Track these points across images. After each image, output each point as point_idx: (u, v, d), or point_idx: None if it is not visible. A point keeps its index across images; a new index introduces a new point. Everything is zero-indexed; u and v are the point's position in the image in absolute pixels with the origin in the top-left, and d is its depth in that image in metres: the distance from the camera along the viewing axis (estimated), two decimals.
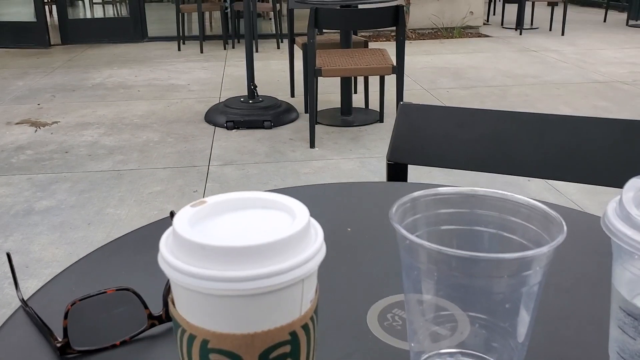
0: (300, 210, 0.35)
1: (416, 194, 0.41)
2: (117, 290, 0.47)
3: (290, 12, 3.86)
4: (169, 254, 0.33)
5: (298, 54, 3.82)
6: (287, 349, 0.33)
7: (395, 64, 3.04)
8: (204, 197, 0.34)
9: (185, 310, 0.33)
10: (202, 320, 0.32)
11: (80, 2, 9.07)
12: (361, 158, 3.07)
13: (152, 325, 0.48)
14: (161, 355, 0.47)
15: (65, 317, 0.45)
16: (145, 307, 0.48)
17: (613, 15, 8.16)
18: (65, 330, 0.45)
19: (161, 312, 0.49)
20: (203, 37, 6.14)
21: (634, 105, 3.84)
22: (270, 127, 3.49)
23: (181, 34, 6.20)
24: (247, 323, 0.32)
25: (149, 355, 0.47)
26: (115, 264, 0.59)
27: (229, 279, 0.30)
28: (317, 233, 0.35)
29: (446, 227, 0.42)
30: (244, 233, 0.34)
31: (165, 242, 0.34)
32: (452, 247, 0.36)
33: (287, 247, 0.32)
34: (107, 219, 2.50)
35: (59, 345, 0.45)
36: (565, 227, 0.37)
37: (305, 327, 0.34)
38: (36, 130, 3.64)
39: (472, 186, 0.42)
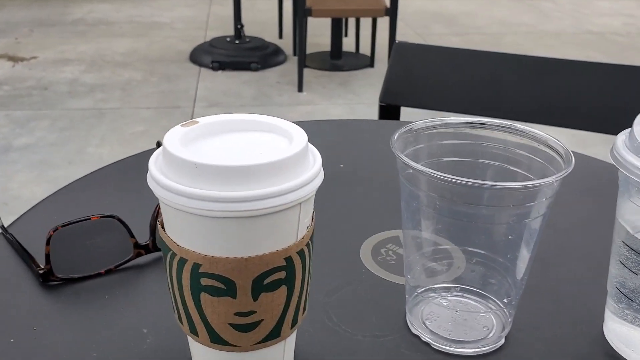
0: (298, 133, 0.33)
1: (418, 122, 0.39)
2: (101, 217, 0.45)
3: None
4: (159, 173, 0.30)
5: None
6: (282, 274, 0.32)
7: (388, 6, 2.95)
8: None
9: (176, 233, 0.31)
10: (194, 243, 0.31)
11: None
12: (350, 103, 3.03)
13: (139, 255, 0.47)
14: (148, 286, 0.45)
15: (48, 243, 0.43)
16: (132, 235, 0.46)
17: None
18: (47, 256, 0.43)
19: (148, 242, 0.47)
20: None
21: (627, 57, 3.81)
22: (257, 69, 3.41)
23: None
24: (241, 247, 0.30)
25: (135, 285, 0.45)
26: (99, 194, 0.56)
27: (224, 199, 0.29)
28: (315, 158, 0.33)
29: (449, 158, 0.40)
30: (239, 154, 0.32)
31: (155, 162, 0.32)
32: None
33: (284, 169, 0.30)
34: (89, 158, 2.45)
35: (41, 272, 0.43)
36: (573, 159, 0.36)
37: (301, 253, 0.32)
38: (14, 65, 3.52)
39: None
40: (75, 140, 2.59)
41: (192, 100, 3.03)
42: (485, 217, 0.37)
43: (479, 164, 0.39)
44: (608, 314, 0.40)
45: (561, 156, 0.37)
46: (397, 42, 1.07)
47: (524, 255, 0.38)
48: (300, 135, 0.33)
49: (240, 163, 0.29)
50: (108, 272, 0.46)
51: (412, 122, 0.39)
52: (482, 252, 0.39)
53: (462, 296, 0.42)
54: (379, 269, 0.47)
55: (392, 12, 2.94)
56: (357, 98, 3.10)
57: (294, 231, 0.32)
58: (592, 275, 0.46)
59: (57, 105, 2.96)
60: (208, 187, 0.29)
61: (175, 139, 0.31)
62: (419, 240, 0.40)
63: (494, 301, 0.41)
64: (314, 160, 0.33)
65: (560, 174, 0.34)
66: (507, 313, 0.41)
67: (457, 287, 0.42)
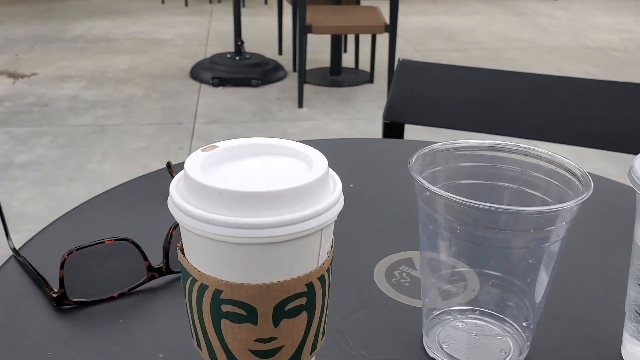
0: (318, 158, 0.33)
1: (436, 145, 0.39)
2: (115, 240, 0.45)
3: None
4: (180, 198, 0.30)
5: (287, 10, 3.72)
6: (303, 300, 0.32)
7: (388, 23, 2.97)
8: (189, 154, 0.32)
9: (197, 258, 0.31)
10: (215, 269, 0.30)
11: None
12: (350, 119, 3.04)
13: (152, 278, 0.46)
14: (161, 309, 0.45)
15: (62, 267, 0.43)
16: (145, 258, 0.46)
17: None
18: (61, 280, 0.43)
19: (161, 264, 0.47)
20: None
21: (625, 72, 3.83)
22: (257, 85, 3.43)
23: None
24: (262, 273, 0.30)
25: (149, 308, 0.45)
26: (110, 216, 0.56)
27: (246, 226, 0.28)
28: (336, 183, 0.33)
29: (466, 181, 0.40)
30: (260, 179, 0.32)
31: (176, 187, 0.31)
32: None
33: (306, 194, 0.30)
34: (90, 174, 2.45)
35: (55, 295, 0.43)
36: (592, 183, 0.36)
37: (321, 279, 0.32)
38: (14, 82, 3.53)
39: None
40: (76, 157, 2.59)
41: (193, 117, 3.04)
42: (503, 241, 0.37)
43: (496, 186, 0.39)
44: (626, 337, 0.40)
45: (579, 179, 0.37)
46: (400, 59, 1.08)
47: (543, 279, 0.38)
48: (321, 160, 0.32)
49: (262, 189, 0.29)
50: (122, 295, 0.45)
51: (429, 143, 0.39)
52: (499, 274, 0.39)
53: (478, 319, 0.41)
54: (394, 292, 0.47)
55: (391, 28, 2.97)
56: (357, 114, 3.11)
57: (315, 257, 0.32)
58: (609, 297, 0.46)
59: (58, 121, 2.97)
60: (230, 213, 0.29)
61: (196, 164, 0.31)
62: (436, 264, 0.40)
63: (511, 324, 0.40)
64: (334, 185, 0.33)
65: (579, 199, 0.34)
66: (524, 337, 0.40)
67: (472, 309, 0.41)
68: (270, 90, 3.43)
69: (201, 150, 0.33)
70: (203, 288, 0.31)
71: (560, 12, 5.91)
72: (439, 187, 0.37)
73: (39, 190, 2.32)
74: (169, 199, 0.31)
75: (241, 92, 3.37)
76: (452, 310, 0.42)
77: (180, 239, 0.32)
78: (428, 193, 0.36)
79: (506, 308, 0.40)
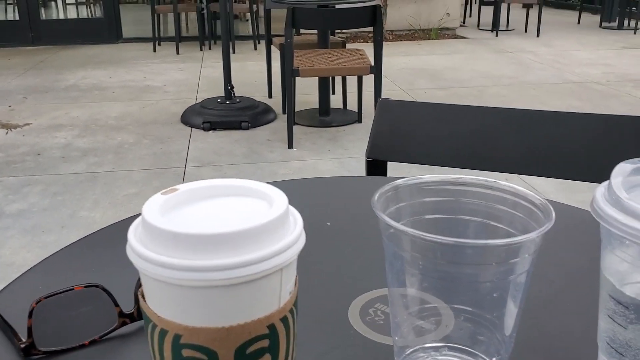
0: (278, 197, 0.33)
1: (399, 181, 0.40)
2: (85, 287, 0.44)
3: (267, 12, 3.83)
4: (137, 243, 0.30)
5: (275, 55, 3.79)
6: (265, 343, 0.31)
7: (372, 64, 3.03)
8: None
9: (156, 303, 0.31)
10: (174, 313, 0.30)
11: (52, 3, 8.89)
12: (340, 158, 3.06)
13: (123, 324, 0.46)
14: (133, 355, 0.44)
15: (30, 315, 0.42)
16: (116, 304, 0.45)
17: (587, 17, 8.31)
18: (29, 329, 0.42)
19: (133, 310, 0.46)
20: (179, 38, 6.07)
21: (608, 105, 3.90)
22: (247, 128, 3.46)
23: (157, 35, 6.12)
24: (222, 316, 0.30)
25: (120, 355, 0.44)
26: (84, 262, 0.56)
27: (202, 269, 0.28)
28: (297, 221, 0.33)
29: (431, 216, 0.40)
30: (219, 220, 0.32)
31: (134, 232, 0.32)
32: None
33: (264, 234, 0.30)
34: (81, 222, 2.44)
35: (22, 346, 0.42)
36: (553, 214, 0.36)
37: (284, 320, 0.32)
38: (7, 132, 3.55)
39: None
40: (68, 205, 2.59)
41: (184, 161, 3.06)
42: (469, 275, 0.37)
43: (460, 220, 0.40)
44: None
45: (540, 210, 0.37)
46: (380, 99, 1.10)
47: (512, 311, 0.38)
48: (281, 199, 0.33)
49: (217, 231, 0.29)
50: (92, 342, 0.45)
51: (394, 180, 0.40)
52: (470, 309, 0.39)
53: (452, 355, 0.41)
54: (368, 330, 0.46)
55: (376, 70, 3.02)
56: (346, 152, 3.13)
57: (276, 297, 0.31)
58: (583, 329, 0.46)
59: (50, 170, 2.97)
60: (187, 256, 0.29)
61: (155, 207, 0.31)
62: (405, 300, 0.40)
63: (483, 358, 0.40)
64: (295, 223, 0.33)
65: (541, 230, 0.35)
66: None
67: (446, 346, 0.41)
68: (261, 132, 3.46)
69: (161, 193, 0.33)
70: (163, 333, 0.31)
71: (542, 48, 6.05)
72: (403, 223, 0.37)
73: (30, 238, 2.31)
74: (127, 245, 0.31)
75: (232, 135, 3.40)
76: (426, 347, 0.41)
77: None
78: (392, 230, 0.37)
79: (478, 343, 0.40)
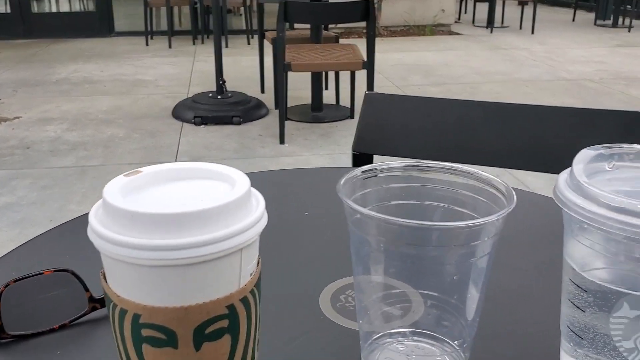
0: (240, 178, 0.33)
1: (364, 167, 0.40)
2: (55, 271, 0.44)
3: (260, 7, 3.82)
4: (97, 223, 0.31)
5: (268, 49, 3.79)
6: (224, 323, 0.32)
7: (365, 59, 3.03)
8: None
9: (116, 283, 0.31)
10: (133, 293, 0.31)
11: None
12: (331, 154, 3.06)
13: (94, 309, 0.46)
14: (103, 340, 0.44)
15: None
16: (86, 289, 0.45)
17: (581, 15, 8.33)
18: None
19: (103, 295, 0.46)
20: (171, 32, 6.05)
21: (601, 103, 3.92)
22: (239, 123, 3.46)
23: (149, 29, 6.10)
24: (180, 296, 0.30)
25: (90, 339, 0.44)
26: (58, 249, 0.56)
27: (159, 248, 0.29)
28: (259, 202, 0.33)
29: (396, 202, 0.40)
30: (179, 201, 0.32)
31: (95, 214, 0.32)
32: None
33: (223, 215, 0.30)
34: (70, 215, 2.43)
35: None
36: (515, 197, 0.36)
37: (244, 301, 0.32)
38: None
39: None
40: (56, 199, 2.58)
41: (174, 156, 3.05)
42: (433, 258, 0.37)
43: (426, 206, 0.40)
44: (563, 354, 0.40)
45: (504, 195, 0.37)
46: (367, 92, 1.10)
47: (474, 295, 0.38)
48: (243, 181, 0.33)
49: (175, 211, 0.29)
50: (62, 327, 0.45)
51: (359, 167, 0.40)
52: (435, 294, 0.39)
53: (419, 340, 0.41)
54: (338, 316, 0.46)
55: (369, 65, 3.02)
56: (338, 148, 3.14)
57: (235, 278, 0.32)
58: (549, 316, 0.46)
59: (39, 163, 2.96)
60: (145, 235, 0.29)
61: (116, 188, 0.31)
62: (371, 286, 0.40)
63: (449, 343, 0.40)
64: (257, 204, 0.33)
65: (501, 212, 0.35)
66: (462, 355, 0.40)
67: (413, 331, 0.41)
68: (252, 127, 3.46)
69: (124, 175, 0.33)
70: (123, 312, 0.31)
71: (536, 45, 6.07)
72: (370, 208, 0.38)
73: (18, 231, 2.30)
74: (88, 226, 0.31)
75: (223, 130, 3.40)
76: (392, 332, 0.42)
77: None
78: (358, 215, 0.37)
79: (442, 327, 0.40)
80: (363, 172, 0.40)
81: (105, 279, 0.32)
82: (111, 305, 0.32)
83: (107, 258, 0.31)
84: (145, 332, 0.31)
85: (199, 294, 0.30)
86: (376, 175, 0.40)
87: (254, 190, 0.34)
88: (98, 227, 0.30)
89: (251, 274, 0.33)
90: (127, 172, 0.33)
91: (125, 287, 0.31)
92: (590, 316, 0.36)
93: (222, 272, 0.31)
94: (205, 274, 0.30)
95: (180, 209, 0.29)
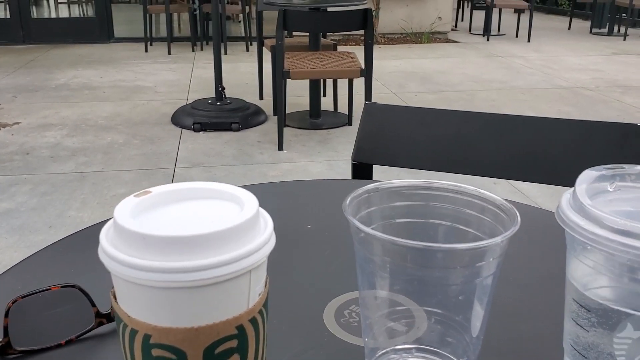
0: (248, 199, 0.34)
1: (370, 186, 0.40)
2: (62, 287, 0.45)
3: (259, 14, 3.84)
4: (109, 245, 0.31)
5: (267, 56, 3.80)
6: (234, 343, 0.32)
7: (363, 67, 3.05)
8: None
9: (127, 304, 0.32)
10: (144, 314, 0.31)
11: (44, 1, 8.85)
12: (329, 161, 3.07)
13: (100, 324, 0.46)
14: (109, 356, 0.45)
15: (6, 315, 0.43)
16: (93, 304, 0.46)
17: (577, 23, 8.38)
18: (5, 329, 0.43)
19: (109, 311, 0.47)
20: (171, 39, 6.06)
21: (597, 111, 3.94)
22: (238, 130, 3.46)
23: (148, 35, 6.11)
24: (190, 316, 0.31)
25: (97, 355, 0.45)
26: (64, 262, 0.56)
27: (170, 270, 0.29)
28: (267, 223, 0.34)
29: (401, 220, 0.41)
30: (189, 223, 0.32)
31: (106, 234, 0.32)
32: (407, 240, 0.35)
33: (233, 237, 0.31)
34: (69, 221, 2.43)
35: None
36: (518, 218, 0.37)
37: (253, 321, 0.33)
38: None
39: None
40: (56, 205, 2.58)
41: (174, 162, 3.05)
42: (438, 278, 0.38)
43: (430, 224, 0.41)
44: None
45: (507, 215, 0.38)
46: (366, 103, 1.11)
47: (479, 313, 0.39)
48: (251, 202, 0.33)
49: (186, 233, 0.30)
50: (68, 342, 0.45)
51: (366, 185, 0.41)
52: (440, 311, 0.40)
53: (422, 357, 0.42)
54: (342, 332, 0.47)
55: (367, 73, 3.04)
56: (336, 155, 3.15)
57: (244, 299, 0.32)
58: (553, 333, 0.47)
59: (39, 169, 2.96)
60: (156, 258, 0.29)
61: (126, 210, 0.32)
62: (376, 302, 0.41)
63: None
64: (265, 225, 0.34)
65: (506, 234, 0.36)
66: None
67: (418, 347, 0.42)
68: (251, 134, 3.47)
69: (134, 195, 0.34)
70: (133, 333, 0.31)
71: (533, 53, 6.10)
72: (374, 227, 0.38)
73: (17, 238, 2.30)
74: (99, 246, 0.32)
75: (222, 137, 3.40)
76: (397, 349, 0.42)
77: None
78: (363, 234, 0.37)
79: (447, 344, 0.41)
80: (369, 189, 0.40)
81: (115, 298, 0.33)
82: (121, 325, 0.32)
83: (118, 279, 0.31)
84: (155, 352, 0.31)
85: (209, 315, 0.31)
86: (381, 193, 0.40)
87: (262, 210, 0.34)
88: (109, 248, 0.30)
89: (259, 294, 0.33)
90: (137, 193, 0.34)
91: (136, 307, 0.31)
92: (593, 336, 0.37)
93: (231, 293, 0.31)
94: (215, 295, 0.31)
95: (191, 231, 0.30)
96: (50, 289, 0.44)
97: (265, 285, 0.34)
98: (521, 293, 0.53)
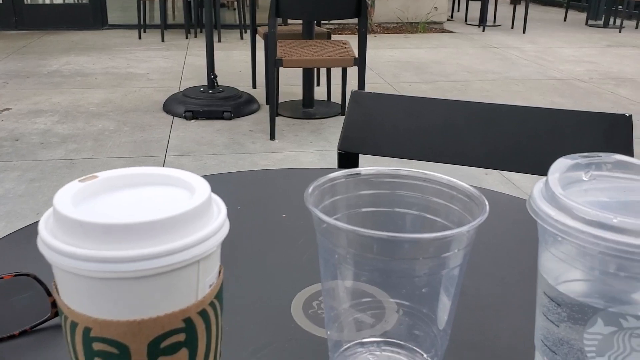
0: (200, 185, 0.32)
1: (334, 174, 0.39)
2: (15, 275, 0.43)
3: (253, 1, 3.80)
4: (47, 234, 0.29)
5: (260, 44, 3.76)
6: (181, 337, 0.30)
7: (357, 56, 3.02)
8: None
9: (67, 295, 0.30)
10: (84, 306, 0.29)
11: None
12: (321, 150, 3.05)
13: (57, 315, 0.44)
14: (64, 347, 0.43)
15: None
16: (49, 294, 0.44)
17: (573, 15, 8.35)
18: None
19: None
20: (165, 26, 6.00)
21: (590, 102, 3.92)
22: (230, 118, 3.43)
23: (142, 22, 6.05)
24: (132, 309, 0.29)
25: (52, 346, 0.43)
26: (21, 253, 0.54)
27: (108, 260, 0.27)
28: (220, 210, 0.32)
29: (367, 209, 0.39)
30: (134, 210, 0.31)
31: (46, 222, 0.30)
32: (373, 230, 0.33)
33: (179, 225, 0.29)
34: None
35: None
36: (487, 207, 0.35)
37: (203, 314, 0.31)
38: None
39: None
40: (44, 191, 2.55)
41: (164, 150, 3.03)
42: (404, 270, 0.36)
43: (397, 213, 0.39)
44: None
45: (477, 204, 0.36)
46: (353, 91, 1.09)
47: (445, 305, 0.37)
48: (203, 188, 0.32)
49: (127, 221, 0.28)
50: (22, 333, 0.43)
51: (329, 173, 0.39)
52: (407, 303, 0.38)
53: (391, 351, 0.40)
54: (309, 324, 0.45)
55: (360, 62, 3.01)
56: (328, 145, 3.12)
57: (192, 291, 0.30)
58: (525, 327, 0.45)
59: (28, 156, 2.93)
60: (96, 246, 0.28)
61: (68, 196, 0.30)
62: (340, 294, 0.39)
63: (420, 354, 0.39)
64: (218, 213, 0.32)
65: (473, 223, 0.34)
66: None
67: (385, 341, 0.40)
68: (243, 122, 3.44)
69: (78, 180, 0.32)
70: (74, 325, 0.30)
71: (527, 45, 6.07)
72: (338, 217, 0.36)
73: (3, 224, 2.27)
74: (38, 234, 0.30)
75: (213, 125, 3.37)
76: (364, 342, 0.41)
77: None
78: (325, 225, 0.36)
79: (416, 338, 0.39)
80: (333, 178, 0.38)
81: (57, 289, 0.31)
82: (63, 317, 0.30)
83: (57, 269, 0.29)
84: (96, 346, 0.29)
85: (153, 308, 0.29)
86: (346, 181, 0.39)
87: (215, 196, 0.33)
88: (47, 236, 0.29)
89: (210, 285, 0.32)
90: (82, 177, 0.32)
91: (76, 299, 0.29)
92: (564, 331, 0.35)
93: (177, 284, 0.29)
94: (158, 286, 0.29)
95: (134, 219, 0.28)
96: (2, 278, 0.42)
97: (219, 275, 0.33)
98: (497, 287, 0.51)
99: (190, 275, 0.30)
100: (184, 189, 0.32)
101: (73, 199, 0.30)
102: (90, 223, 0.28)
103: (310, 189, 0.37)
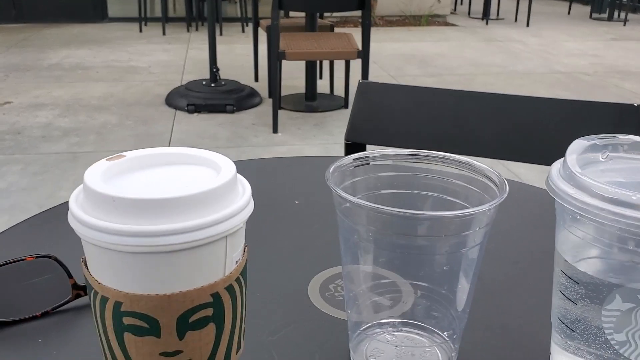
0: (226, 164, 0.32)
1: (354, 155, 0.39)
2: (37, 257, 0.43)
3: None
4: (78, 209, 0.30)
5: (263, 37, 3.75)
6: (209, 311, 0.31)
7: (360, 49, 3.01)
8: None
9: (97, 270, 0.30)
10: (114, 281, 0.30)
11: None
12: (325, 144, 3.05)
13: (78, 296, 0.45)
14: (86, 328, 0.43)
15: None
16: (70, 276, 0.44)
17: (577, 8, 8.31)
18: None
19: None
20: (166, 19, 5.98)
21: (594, 96, 3.92)
22: (232, 112, 3.43)
23: (143, 15, 6.03)
24: (163, 283, 0.29)
25: (73, 327, 0.44)
26: (43, 235, 0.55)
27: (140, 234, 0.28)
28: (245, 189, 0.33)
29: (386, 190, 0.40)
30: (162, 187, 0.31)
31: (76, 198, 0.31)
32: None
33: (208, 201, 0.29)
34: (60, 202, 2.41)
35: None
36: (507, 187, 0.36)
37: (229, 289, 0.32)
38: None
39: None
40: (47, 185, 2.56)
41: (167, 143, 3.03)
42: (423, 248, 0.36)
43: (417, 195, 0.39)
44: (553, 346, 0.40)
45: (496, 184, 0.37)
46: (360, 81, 1.09)
47: (464, 286, 0.38)
48: (228, 167, 0.32)
49: (158, 196, 0.28)
50: (44, 314, 0.44)
51: (349, 155, 0.39)
52: (425, 284, 0.39)
53: (408, 331, 0.41)
54: (327, 306, 0.46)
55: (364, 54, 3.01)
56: (332, 138, 3.12)
57: (220, 266, 0.31)
58: (540, 307, 0.46)
59: (30, 149, 2.93)
60: (127, 221, 0.28)
61: (97, 173, 0.31)
62: (360, 275, 0.39)
63: (439, 334, 0.40)
64: (243, 191, 0.32)
65: (493, 202, 0.34)
66: (452, 346, 0.40)
67: (403, 322, 0.41)
68: (246, 116, 3.44)
69: (106, 159, 0.32)
70: (104, 300, 0.30)
71: (531, 38, 6.05)
72: (359, 197, 0.37)
73: (7, 218, 2.28)
74: (68, 211, 0.30)
75: (216, 118, 3.37)
76: (382, 323, 0.41)
77: None
78: (347, 204, 0.36)
79: (432, 318, 0.40)
80: (354, 160, 0.39)
81: (86, 265, 0.31)
82: (92, 292, 0.31)
83: (87, 244, 0.30)
84: (126, 321, 0.30)
85: (183, 282, 0.30)
86: (367, 164, 0.39)
87: (240, 177, 0.33)
88: (78, 212, 0.29)
89: (237, 261, 0.32)
90: (109, 157, 0.33)
91: (107, 274, 0.30)
92: (581, 308, 0.36)
93: (206, 259, 0.30)
94: (189, 261, 0.29)
95: (164, 194, 0.28)
96: (25, 259, 0.43)
97: (244, 253, 0.33)
98: (509, 268, 0.52)
99: (219, 250, 0.30)
100: (210, 167, 0.33)
101: (103, 176, 0.30)
102: (123, 198, 0.28)
103: (331, 169, 0.37)
